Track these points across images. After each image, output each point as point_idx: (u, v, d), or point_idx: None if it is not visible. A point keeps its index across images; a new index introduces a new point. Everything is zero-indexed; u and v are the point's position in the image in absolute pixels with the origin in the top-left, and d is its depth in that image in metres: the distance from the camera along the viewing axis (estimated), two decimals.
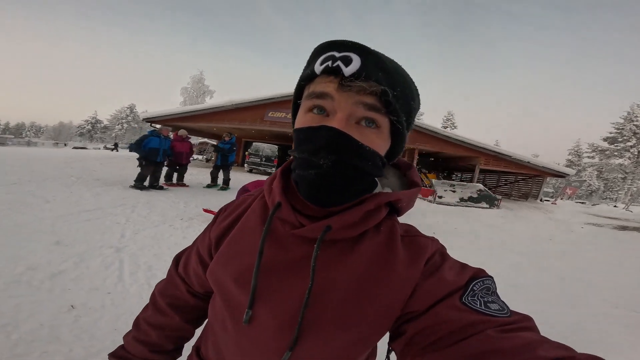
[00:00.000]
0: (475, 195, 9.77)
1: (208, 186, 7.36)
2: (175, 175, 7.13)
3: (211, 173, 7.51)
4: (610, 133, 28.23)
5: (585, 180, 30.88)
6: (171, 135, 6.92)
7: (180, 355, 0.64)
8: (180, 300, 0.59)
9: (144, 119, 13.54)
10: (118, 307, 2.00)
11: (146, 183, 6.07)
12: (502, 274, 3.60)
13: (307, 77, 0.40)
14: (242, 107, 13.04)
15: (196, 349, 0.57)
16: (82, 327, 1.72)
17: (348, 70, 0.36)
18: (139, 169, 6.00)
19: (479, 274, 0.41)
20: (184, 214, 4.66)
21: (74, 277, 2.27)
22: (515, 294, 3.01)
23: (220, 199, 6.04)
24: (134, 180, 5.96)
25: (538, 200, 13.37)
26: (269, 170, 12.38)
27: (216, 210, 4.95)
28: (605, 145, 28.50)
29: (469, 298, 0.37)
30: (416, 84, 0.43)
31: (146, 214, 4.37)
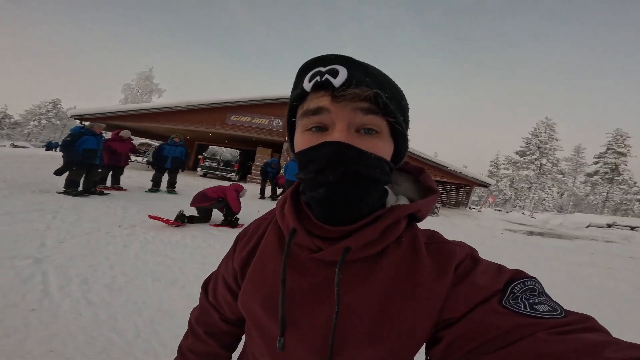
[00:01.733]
0: None
1: (150, 191, 6.68)
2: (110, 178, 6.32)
3: (154, 177, 6.84)
4: (521, 147, 33.74)
5: (502, 190, 36.24)
6: (105, 133, 6.17)
7: None
8: (215, 328, 0.61)
9: (72, 116, 11.83)
10: (49, 326, 1.69)
11: (79, 187, 5.21)
12: None
13: (298, 97, 0.40)
14: (199, 109, 12.30)
15: None
16: (2, 350, 1.40)
17: (337, 82, 0.36)
18: (66, 173, 5.05)
19: (518, 276, 0.38)
20: (123, 221, 4.13)
21: None
22: None
23: (167, 204, 5.52)
24: (64, 187, 5.04)
25: (468, 208, 15.18)
26: (228, 176, 11.76)
27: (164, 216, 4.47)
28: (517, 157, 33.94)
29: (511, 301, 0.35)
30: None
31: (73, 220, 3.77)
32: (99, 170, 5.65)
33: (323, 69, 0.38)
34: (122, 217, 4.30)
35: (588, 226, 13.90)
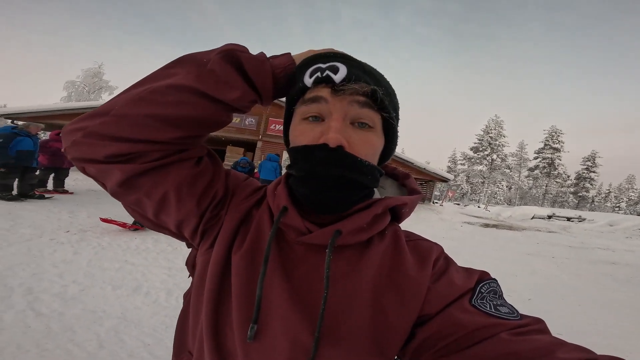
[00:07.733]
0: None
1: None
2: (51, 180, 5.64)
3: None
4: (475, 143, 36.49)
5: (460, 184, 39.06)
6: (42, 134, 5.61)
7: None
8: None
9: (2, 115, 10.62)
10: None
11: (14, 191, 4.66)
12: None
13: (299, 91, 0.40)
14: None
15: None
16: None
17: (338, 78, 0.37)
18: None
19: (484, 277, 0.41)
20: (70, 226, 3.71)
21: None
22: None
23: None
24: None
25: (432, 203, 16.07)
26: None
27: (119, 220, 4.10)
28: (471, 153, 36.70)
29: (478, 301, 0.37)
30: None
31: (9, 226, 3.31)
32: (36, 172, 5.09)
33: (323, 66, 0.38)
34: (68, 222, 3.86)
35: (533, 217, 15.47)
